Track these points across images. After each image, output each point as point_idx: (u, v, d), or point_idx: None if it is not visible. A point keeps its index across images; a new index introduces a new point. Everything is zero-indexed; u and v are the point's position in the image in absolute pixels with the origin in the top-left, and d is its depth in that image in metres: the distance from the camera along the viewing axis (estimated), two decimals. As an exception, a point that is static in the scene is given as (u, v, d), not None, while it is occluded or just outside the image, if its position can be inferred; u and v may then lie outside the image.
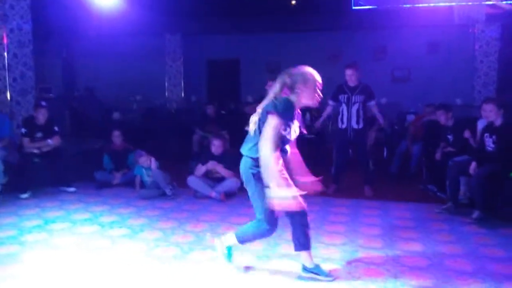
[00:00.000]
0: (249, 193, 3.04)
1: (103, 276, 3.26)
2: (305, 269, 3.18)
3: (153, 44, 11.59)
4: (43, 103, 6.10)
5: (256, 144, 2.87)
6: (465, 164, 4.84)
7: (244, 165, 3.00)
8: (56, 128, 6.06)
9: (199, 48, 11.75)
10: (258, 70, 11.24)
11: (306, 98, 2.94)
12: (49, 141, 5.92)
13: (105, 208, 5.14)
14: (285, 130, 2.87)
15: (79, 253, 3.73)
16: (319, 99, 3.01)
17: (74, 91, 12.02)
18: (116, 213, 4.97)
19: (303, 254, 3.17)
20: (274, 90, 2.89)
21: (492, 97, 7.94)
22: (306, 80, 2.92)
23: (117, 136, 6.47)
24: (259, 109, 2.92)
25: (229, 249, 3.30)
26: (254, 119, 2.94)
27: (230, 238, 3.23)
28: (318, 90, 2.98)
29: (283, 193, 2.64)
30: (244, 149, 3.01)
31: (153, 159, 5.87)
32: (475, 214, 4.51)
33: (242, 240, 3.18)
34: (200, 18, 10.52)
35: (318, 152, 7.59)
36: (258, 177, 2.90)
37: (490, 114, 4.68)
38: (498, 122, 4.65)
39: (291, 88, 2.92)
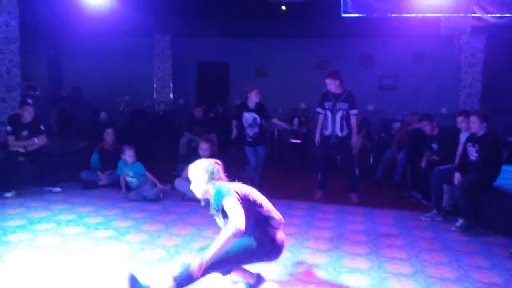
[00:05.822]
0: None
1: (86, 279, 3.23)
2: None
3: (142, 44, 11.52)
4: (30, 101, 6.03)
5: None
6: (449, 173, 4.93)
7: None
8: (42, 127, 5.99)
9: (188, 50, 11.71)
10: (248, 74, 11.29)
11: None
12: (35, 139, 5.85)
13: (90, 209, 5.10)
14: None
15: (63, 255, 3.69)
16: None
17: (61, 90, 11.87)
18: (101, 214, 4.93)
19: None
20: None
21: (468, 110, 8.07)
22: None
23: (110, 134, 6.38)
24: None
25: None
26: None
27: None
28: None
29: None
30: None
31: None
32: (459, 222, 4.59)
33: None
34: (191, 20, 10.50)
35: (305, 156, 7.64)
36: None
37: (473, 125, 4.78)
38: (481, 132, 4.75)
39: None
